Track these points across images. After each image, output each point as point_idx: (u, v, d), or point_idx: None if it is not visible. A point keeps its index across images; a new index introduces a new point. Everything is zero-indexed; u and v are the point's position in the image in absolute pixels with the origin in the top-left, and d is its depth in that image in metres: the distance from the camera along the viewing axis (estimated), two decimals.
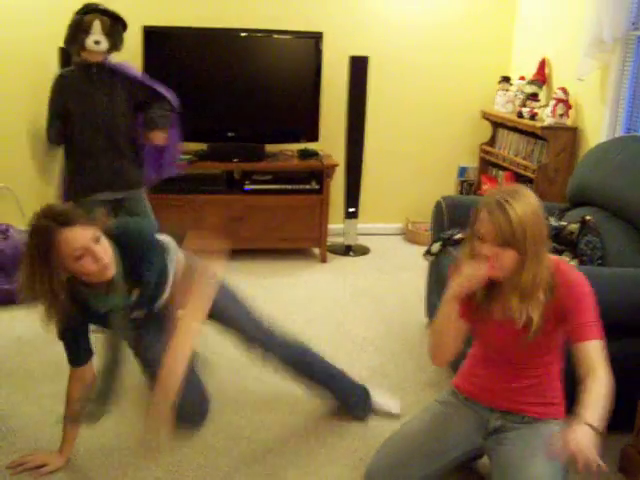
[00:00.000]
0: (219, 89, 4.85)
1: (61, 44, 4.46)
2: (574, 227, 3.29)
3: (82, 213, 2.19)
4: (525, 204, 1.95)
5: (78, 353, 2.44)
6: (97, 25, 3.35)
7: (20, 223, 4.85)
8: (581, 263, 3.15)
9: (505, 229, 1.92)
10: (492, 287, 2.10)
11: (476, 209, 2.03)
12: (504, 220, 1.92)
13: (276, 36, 4.87)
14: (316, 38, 4.85)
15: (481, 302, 2.15)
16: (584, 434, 1.75)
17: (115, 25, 3.45)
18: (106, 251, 2.18)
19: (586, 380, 1.89)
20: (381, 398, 2.98)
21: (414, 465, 2.23)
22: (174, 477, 2.51)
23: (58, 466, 2.51)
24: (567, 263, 2.11)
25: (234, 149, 4.83)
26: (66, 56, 4.48)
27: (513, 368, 2.21)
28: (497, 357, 2.24)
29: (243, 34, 4.79)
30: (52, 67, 4.56)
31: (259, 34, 4.84)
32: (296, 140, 5.06)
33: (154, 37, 4.66)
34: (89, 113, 3.46)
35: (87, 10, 3.40)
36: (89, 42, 3.35)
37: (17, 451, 2.61)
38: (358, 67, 4.88)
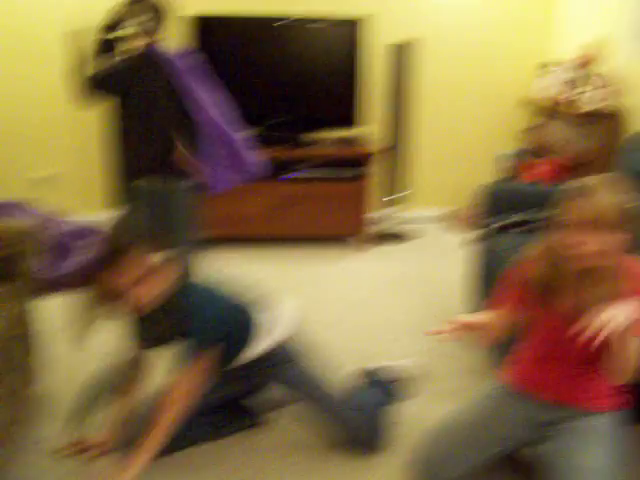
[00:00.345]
0: (257, 77, 4.85)
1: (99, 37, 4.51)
2: None
3: (159, 242, 2.23)
4: (611, 188, 1.89)
5: None
6: (135, 11, 3.40)
7: (64, 211, 4.94)
8: None
9: (592, 213, 1.85)
10: (565, 278, 2.04)
11: (563, 196, 1.96)
12: (592, 204, 1.86)
13: (316, 22, 4.85)
14: (355, 25, 4.82)
15: (549, 293, 2.08)
16: (623, 307, 1.76)
17: (155, 11, 3.45)
18: (149, 291, 2.20)
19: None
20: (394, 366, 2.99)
21: (461, 456, 2.22)
22: None
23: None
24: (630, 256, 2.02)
25: (273, 137, 4.83)
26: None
27: (568, 362, 2.14)
28: (552, 350, 2.18)
29: (280, 21, 4.78)
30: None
31: (298, 21, 4.82)
32: (335, 127, 5.05)
33: (194, 26, 4.67)
34: (142, 99, 3.45)
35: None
36: (127, 28, 3.40)
37: (61, 434, 2.66)
38: (401, 53, 4.84)
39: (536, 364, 2.24)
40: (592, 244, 1.88)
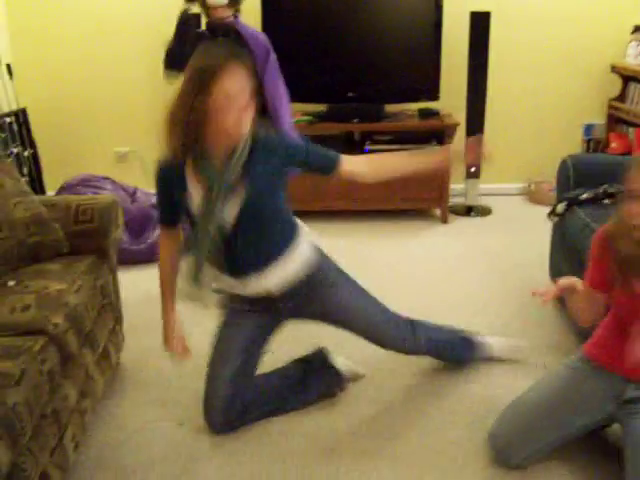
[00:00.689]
0: (337, 49, 4.83)
1: (182, 9, 4.57)
2: None
3: (254, 75, 2.17)
4: None
5: (169, 211, 2.42)
6: None
7: (146, 186, 5.05)
8: None
9: None
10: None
11: (630, 167, 1.88)
12: None
13: None
14: None
15: (624, 272, 2.03)
16: None
17: None
18: (248, 120, 2.15)
19: None
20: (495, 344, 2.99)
21: (541, 429, 2.19)
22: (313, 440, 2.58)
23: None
24: None
25: (353, 109, 4.81)
26: (188, 21, 4.59)
27: None
28: (634, 329, 2.12)
29: None
30: (171, 33, 4.67)
31: None
32: (416, 99, 4.99)
33: None
34: None
35: None
36: None
37: (148, 402, 2.75)
38: (479, 23, 4.73)
39: (616, 340, 2.17)
40: None
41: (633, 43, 4.89)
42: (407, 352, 2.77)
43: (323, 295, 2.52)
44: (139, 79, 5.10)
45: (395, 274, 4.01)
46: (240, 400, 2.53)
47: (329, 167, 2.38)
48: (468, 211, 5.12)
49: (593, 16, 5.12)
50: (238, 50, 2.21)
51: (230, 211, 2.26)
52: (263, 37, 3.60)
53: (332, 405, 2.73)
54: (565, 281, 2.14)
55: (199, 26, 3.64)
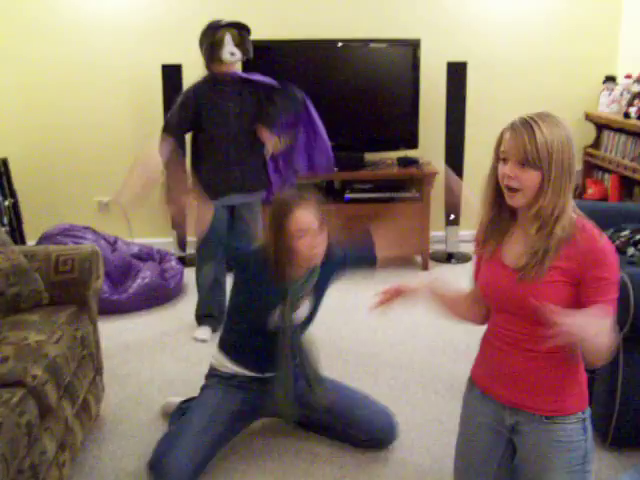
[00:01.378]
0: (317, 99, 4.87)
1: (163, 62, 4.65)
2: None
3: (321, 207, 2.55)
4: (554, 126, 1.81)
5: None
6: (229, 38, 3.60)
7: (127, 235, 5.04)
8: None
9: (529, 146, 1.76)
10: (505, 222, 1.93)
11: (501, 131, 1.92)
12: (528, 137, 1.77)
13: (373, 45, 4.88)
14: (414, 45, 4.83)
15: (492, 239, 1.96)
16: (585, 317, 1.60)
17: (243, 34, 3.70)
18: (322, 243, 2.50)
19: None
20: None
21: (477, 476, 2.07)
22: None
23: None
24: (598, 229, 1.82)
25: (337, 158, 4.84)
26: (169, 74, 4.65)
27: (518, 340, 1.89)
28: (500, 320, 1.95)
29: (340, 44, 4.83)
30: (154, 86, 4.74)
31: (356, 43, 4.87)
32: (395, 148, 5.05)
33: (256, 50, 4.73)
34: (222, 124, 3.66)
35: (213, 27, 3.63)
36: (225, 55, 3.60)
37: (128, 455, 2.70)
38: (456, 73, 4.83)
39: (488, 348, 2.04)
40: (521, 179, 1.78)
41: (605, 92, 5.01)
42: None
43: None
44: (121, 128, 5.13)
45: (377, 321, 4.00)
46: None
47: (371, 263, 2.82)
48: (448, 258, 5.15)
49: (567, 67, 5.25)
50: (304, 192, 2.56)
51: (298, 317, 2.62)
52: (269, 80, 3.83)
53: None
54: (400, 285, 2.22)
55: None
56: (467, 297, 2.16)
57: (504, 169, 1.82)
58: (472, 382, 2.10)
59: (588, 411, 1.91)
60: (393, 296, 2.16)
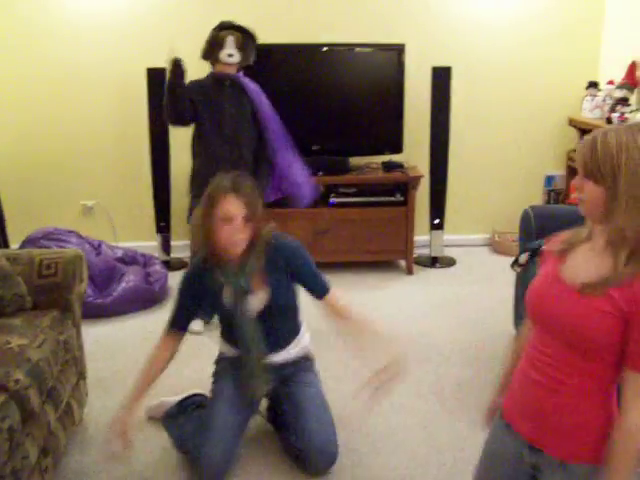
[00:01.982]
0: (303, 103, 4.90)
1: (148, 65, 4.65)
2: None
3: (255, 196, 2.53)
4: (629, 135, 1.55)
5: (180, 315, 2.66)
6: (230, 40, 3.72)
7: (111, 239, 5.03)
8: None
9: (587, 157, 1.58)
10: (579, 238, 1.74)
11: (579, 147, 1.69)
12: (589, 147, 1.58)
13: (358, 49, 4.89)
14: (398, 50, 4.84)
15: (561, 251, 1.77)
16: None
17: (247, 40, 3.80)
18: (243, 233, 2.48)
19: (619, 422, 1.57)
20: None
21: None
22: None
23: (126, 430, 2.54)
24: None
25: (319, 162, 4.85)
26: (154, 77, 4.65)
27: (549, 366, 1.68)
28: (538, 341, 1.74)
29: (325, 48, 4.84)
30: (139, 88, 4.74)
31: (341, 48, 4.87)
32: (380, 152, 5.07)
33: None
34: (217, 121, 3.76)
35: (222, 27, 3.75)
36: (223, 55, 3.72)
37: (112, 459, 2.69)
38: (441, 77, 4.85)
39: (519, 375, 1.83)
40: (584, 191, 1.61)
41: (588, 98, 5.04)
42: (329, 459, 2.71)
43: (301, 377, 2.80)
44: (107, 132, 5.11)
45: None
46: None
47: (317, 294, 2.68)
48: (433, 262, 5.17)
49: (551, 73, 5.28)
50: (241, 183, 2.52)
51: (255, 307, 2.62)
52: (265, 96, 3.96)
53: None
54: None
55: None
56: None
57: (574, 179, 1.67)
58: (501, 411, 1.89)
59: None
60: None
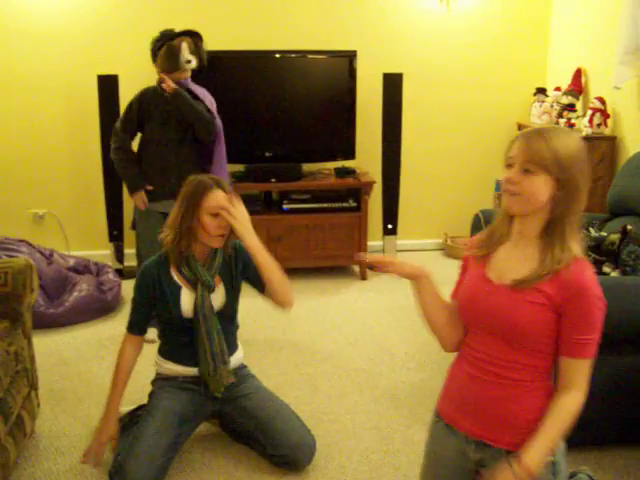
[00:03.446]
0: (255, 110, 4.90)
1: (99, 72, 4.61)
2: (615, 237, 3.25)
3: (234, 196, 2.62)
4: (567, 138, 1.68)
5: (137, 319, 2.70)
6: (185, 47, 3.70)
7: (63, 248, 4.97)
8: (623, 273, 3.11)
9: (537, 151, 1.65)
10: (500, 236, 1.81)
11: (511, 140, 1.81)
12: (540, 142, 1.66)
13: (310, 56, 4.92)
14: (350, 57, 4.88)
15: (484, 250, 1.83)
16: None
17: (198, 43, 3.80)
18: (226, 231, 2.61)
19: (555, 397, 1.67)
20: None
21: None
22: None
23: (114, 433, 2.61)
24: (592, 269, 1.68)
25: (271, 169, 4.87)
26: (105, 84, 4.61)
27: (489, 364, 1.73)
28: (474, 341, 1.79)
29: (278, 55, 4.85)
30: (90, 95, 4.69)
31: (293, 55, 4.89)
32: (333, 158, 5.09)
33: None
34: (163, 128, 3.76)
35: (165, 36, 3.73)
36: (182, 63, 3.70)
37: (64, 471, 2.66)
38: (392, 84, 4.90)
39: (456, 371, 1.88)
40: (523, 185, 1.68)
41: (536, 104, 5.14)
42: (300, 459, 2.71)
43: (245, 389, 2.79)
44: (57, 140, 5.05)
45: (316, 330, 4.03)
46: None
47: (260, 287, 2.77)
48: None
49: (500, 79, 5.38)
50: (219, 180, 2.66)
51: (216, 305, 2.69)
52: (210, 98, 3.95)
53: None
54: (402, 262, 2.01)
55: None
56: (448, 308, 1.92)
57: (508, 173, 1.74)
58: (437, 413, 1.92)
59: (560, 451, 1.73)
60: (386, 264, 1.99)
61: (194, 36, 3.80)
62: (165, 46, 3.71)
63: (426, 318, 1.94)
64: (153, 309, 2.69)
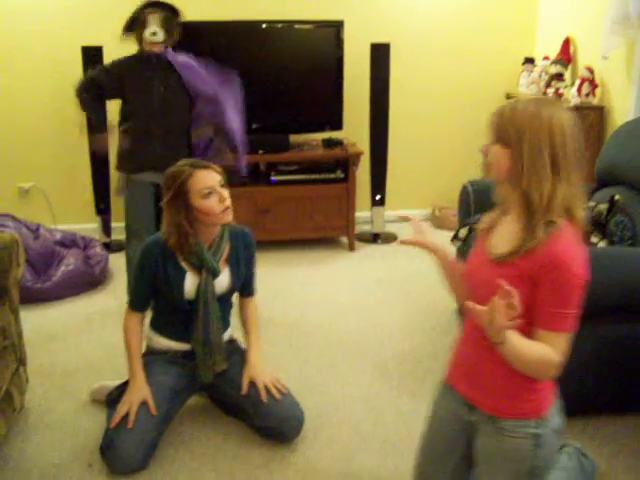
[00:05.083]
0: (242, 81, 4.84)
1: (84, 43, 4.55)
2: (602, 207, 3.26)
3: (216, 167, 2.61)
4: (537, 106, 1.66)
5: (139, 298, 2.73)
6: (154, 18, 3.63)
7: (50, 222, 4.94)
8: (611, 243, 3.13)
9: (497, 120, 1.71)
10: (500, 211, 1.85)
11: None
12: (500, 112, 1.71)
13: (297, 26, 4.87)
14: (337, 27, 4.83)
15: (485, 227, 1.89)
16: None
17: (171, 17, 3.72)
18: (228, 197, 2.58)
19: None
20: None
21: (435, 471, 2.03)
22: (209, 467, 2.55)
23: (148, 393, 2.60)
24: (575, 238, 1.67)
25: (259, 140, 4.83)
26: (89, 55, 4.56)
27: (478, 331, 1.69)
28: (468, 322, 1.89)
29: (264, 25, 4.80)
30: (74, 67, 4.63)
31: (280, 25, 4.84)
32: (320, 129, 5.06)
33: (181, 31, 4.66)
34: (145, 99, 3.69)
35: (147, 4, 3.67)
36: (146, 34, 3.62)
37: (55, 445, 2.66)
38: (380, 54, 4.86)
39: (459, 346, 1.96)
40: (489, 154, 1.73)
41: (524, 73, 5.12)
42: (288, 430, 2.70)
43: (237, 356, 2.82)
44: (42, 112, 4.99)
45: (305, 302, 4.04)
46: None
47: (246, 292, 2.88)
48: (374, 238, 5.21)
49: (488, 49, 5.36)
50: (197, 161, 2.62)
51: (220, 289, 2.70)
52: (193, 60, 3.85)
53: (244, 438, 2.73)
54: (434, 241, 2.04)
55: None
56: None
57: (483, 145, 1.78)
58: (444, 379, 2.00)
59: (549, 425, 1.77)
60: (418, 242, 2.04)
61: (167, 10, 3.71)
62: (135, 11, 3.66)
63: (447, 284, 2.06)
64: (156, 291, 2.70)
